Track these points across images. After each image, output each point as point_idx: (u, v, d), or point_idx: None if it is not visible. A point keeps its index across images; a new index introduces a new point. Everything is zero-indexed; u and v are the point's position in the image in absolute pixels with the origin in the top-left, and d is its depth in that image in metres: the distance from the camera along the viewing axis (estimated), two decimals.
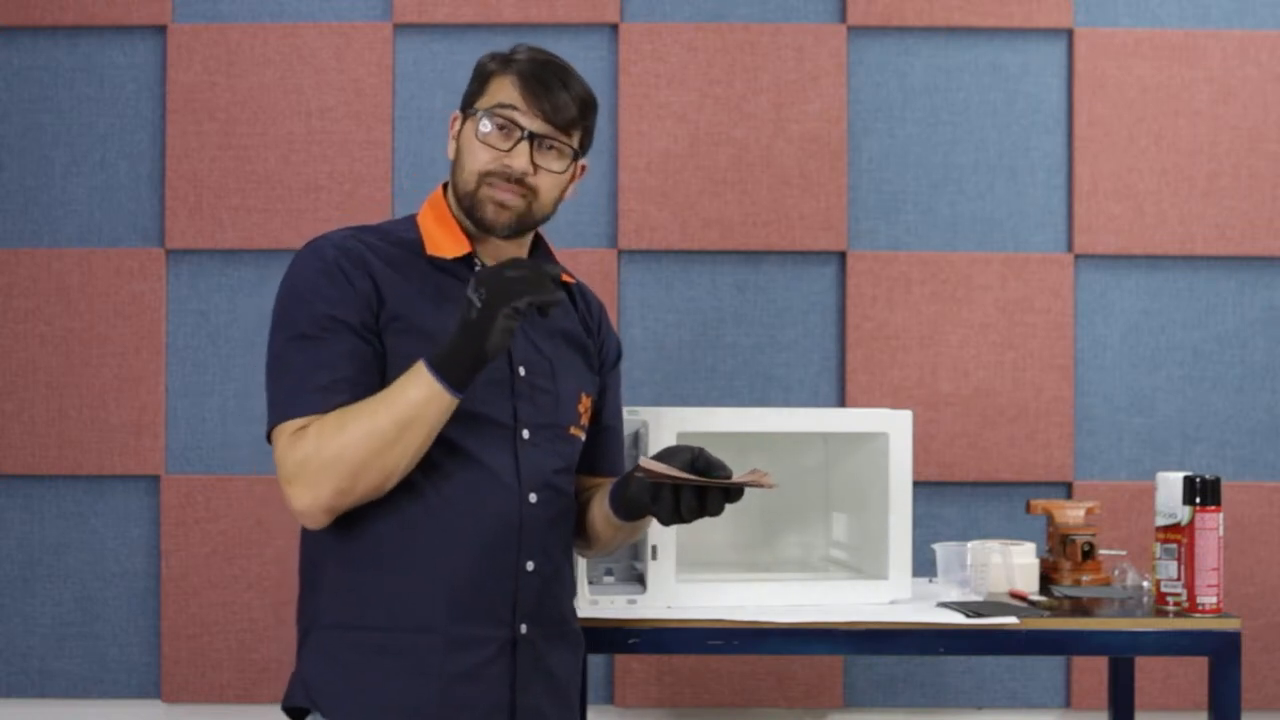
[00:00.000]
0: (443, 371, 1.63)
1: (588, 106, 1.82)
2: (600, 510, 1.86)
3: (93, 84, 3.14)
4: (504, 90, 1.77)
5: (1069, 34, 3.14)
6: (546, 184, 1.79)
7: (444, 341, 1.65)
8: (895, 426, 2.29)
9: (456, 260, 1.81)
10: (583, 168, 1.88)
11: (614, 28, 3.14)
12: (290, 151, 3.12)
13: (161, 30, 3.14)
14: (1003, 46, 3.15)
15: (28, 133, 3.14)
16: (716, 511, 1.69)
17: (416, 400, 1.63)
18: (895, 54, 3.15)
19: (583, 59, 3.10)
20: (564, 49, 3.04)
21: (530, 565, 1.76)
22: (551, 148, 1.78)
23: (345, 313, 1.71)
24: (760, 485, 1.68)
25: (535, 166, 1.77)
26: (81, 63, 3.14)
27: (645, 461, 1.68)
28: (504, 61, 1.80)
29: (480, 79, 1.81)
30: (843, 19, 3.13)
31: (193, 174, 3.11)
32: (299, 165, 3.12)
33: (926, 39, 3.15)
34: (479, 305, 1.61)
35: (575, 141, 1.82)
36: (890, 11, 3.12)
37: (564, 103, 1.77)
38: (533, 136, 1.76)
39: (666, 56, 3.12)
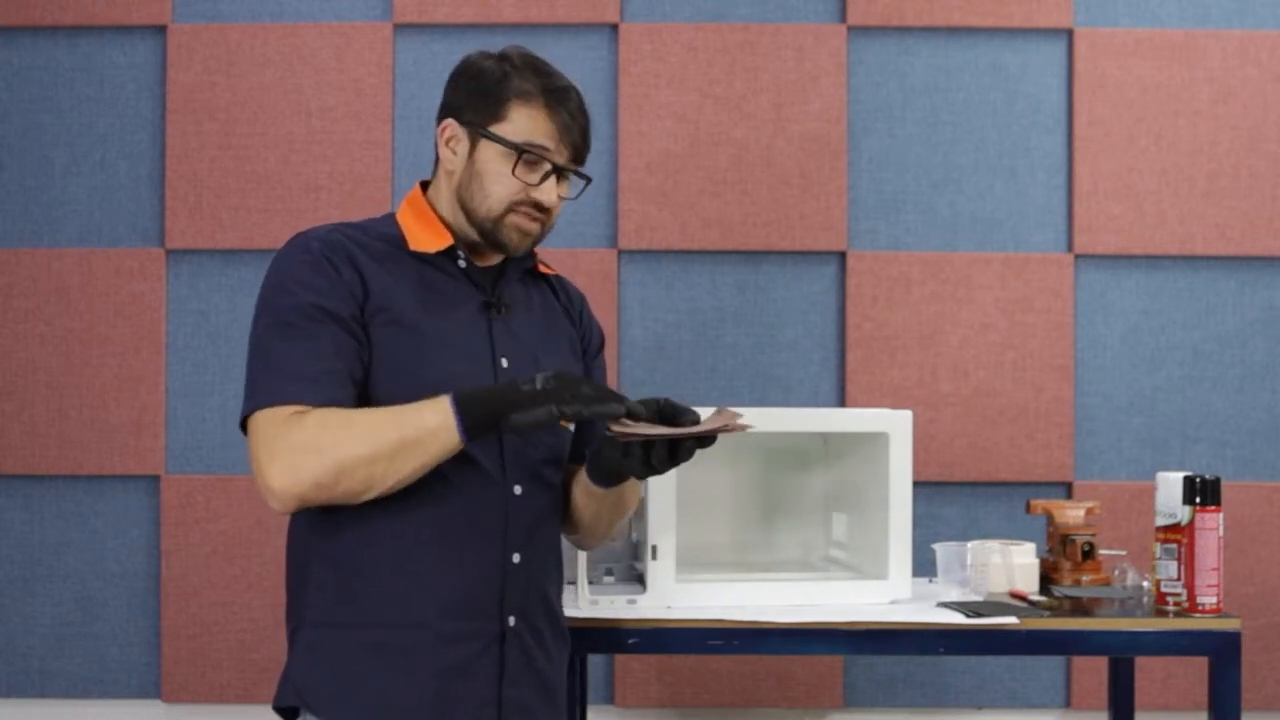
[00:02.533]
0: (464, 409, 1.63)
1: (590, 125, 1.85)
2: (581, 484, 1.87)
3: (93, 84, 3.14)
4: (531, 123, 1.77)
5: (1069, 34, 3.14)
6: (558, 208, 1.84)
7: (477, 385, 1.67)
8: (895, 426, 2.29)
9: (439, 254, 1.82)
10: None
11: (614, 28, 3.14)
12: (290, 151, 3.12)
13: (161, 30, 3.14)
14: (1003, 46, 3.15)
15: (28, 133, 3.14)
16: (687, 458, 1.69)
17: (427, 425, 1.63)
18: (895, 54, 3.15)
19: (582, 59, 3.10)
20: (564, 49, 3.08)
21: (517, 558, 1.77)
22: (568, 176, 1.82)
23: (332, 304, 1.71)
24: (732, 429, 1.67)
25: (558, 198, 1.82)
26: (81, 63, 3.14)
27: (614, 422, 1.67)
28: (517, 83, 1.78)
29: (495, 99, 1.78)
30: (843, 19, 3.13)
31: (193, 174, 3.11)
32: (299, 165, 3.12)
33: (926, 39, 3.15)
34: (539, 387, 1.63)
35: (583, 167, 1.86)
36: (890, 11, 3.12)
37: (586, 138, 1.82)
38: (559, 171, 1.79)
39: (666, 56, 3.12)
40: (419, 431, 1.63)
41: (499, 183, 1.78)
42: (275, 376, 1.68)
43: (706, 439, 1.68)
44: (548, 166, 1.78)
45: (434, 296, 1.77)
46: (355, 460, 1.63)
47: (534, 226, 1.80)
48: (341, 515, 1.72)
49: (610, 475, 1.79)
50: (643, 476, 1.73)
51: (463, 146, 1.81)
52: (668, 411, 1.69)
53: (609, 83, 3.12)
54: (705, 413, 1.71)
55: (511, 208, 1.78)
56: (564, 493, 1.91)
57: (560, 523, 1.91)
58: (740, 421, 1.67)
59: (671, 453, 1.68)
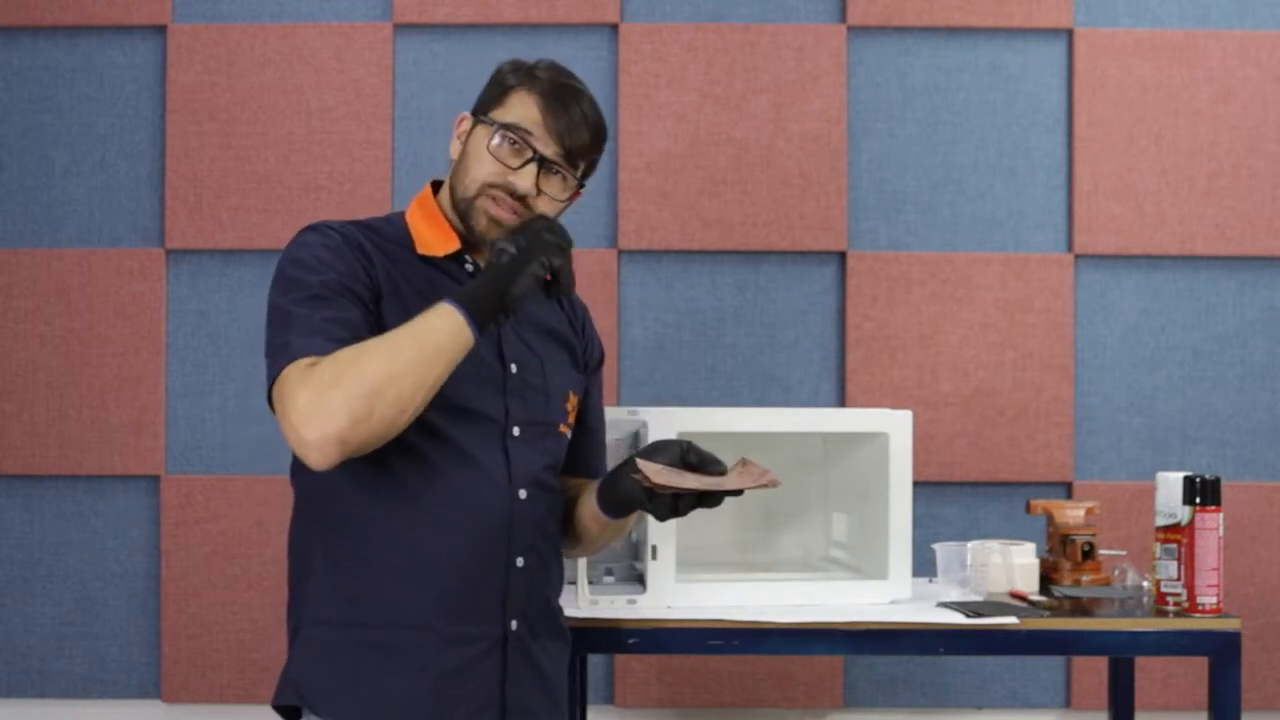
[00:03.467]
0: (468, 307, 1.63)
1: (599, 139, 1.82)
2: (588, 509, 1.86)
3: (93, 84, 3.14)
4: (524, 108, 1.77)
5: (1069, 34, 3.14)
6: (544, 207, 1.79)
7: (468, 287, 1.67)
8: (895, 426, 2.29)
9: (447, 258, 1.81)
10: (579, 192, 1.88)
11: (614, 28, 3.14)
12: (290, 151, 3.12)
13: (161, 30, 3.14)
14: (1003, 46, 3.15)
15: (28, 133, 3.14)
16: (714, 506, 1.72)
17: (440, 329, 1.62)
18: (895, 54, 3.15)
19: (583, 59, 3.10)
20: (564, 49, 3.08)
21: (520, 562, 1.76)
22: (557, 173, 1.79)
23: (354, 285, 1.70)
24: (765, 486, 1.69)
25: (538, 190, 1.77)
26: (81, 63, 3.14)
27: (643, 465, 1.67)
28: (527, 75, 1.80)
29: (500, 88, 1.81)
30: (843, 19, 3.13)
31: (193, 174, 3.11)
32: (299, 165, 3.12)
33: (926, 39, 3.15)
34: (513, 252, 1.65)
35: (580, 171, 1.82)
36: (890, 11, 3.12)
37: (579, 133, 1.78)
38: (542, 160, 1.77)
39: (666, 56, 3.12)
40: (434, 338, 1.62)
41: (479, 163, 1.77)
42: (292, 337, 1.65)
43: (736, 491, 1.70)
44: (530, 153, 1.76)
45: (441, 297, 1.77)
46: (382, 380, 1.57)
47: (504, 214, 1.76)
48: (344, 513, 1.72)
49: (627, 510, 1.81)
50: (664, 519, 1.74)
51: (464, 133, 1.82)
52: (692, 457, 1.71)
53: (609, 83, 3.12)
54: (727, 459, 1.74)
55: (485, 189, 1.76)
56: (567, 510, 1.91)
57: (560, 526, 1.91)
58: (769, 477, 1.70)
59: (698, 500, 1.70)
